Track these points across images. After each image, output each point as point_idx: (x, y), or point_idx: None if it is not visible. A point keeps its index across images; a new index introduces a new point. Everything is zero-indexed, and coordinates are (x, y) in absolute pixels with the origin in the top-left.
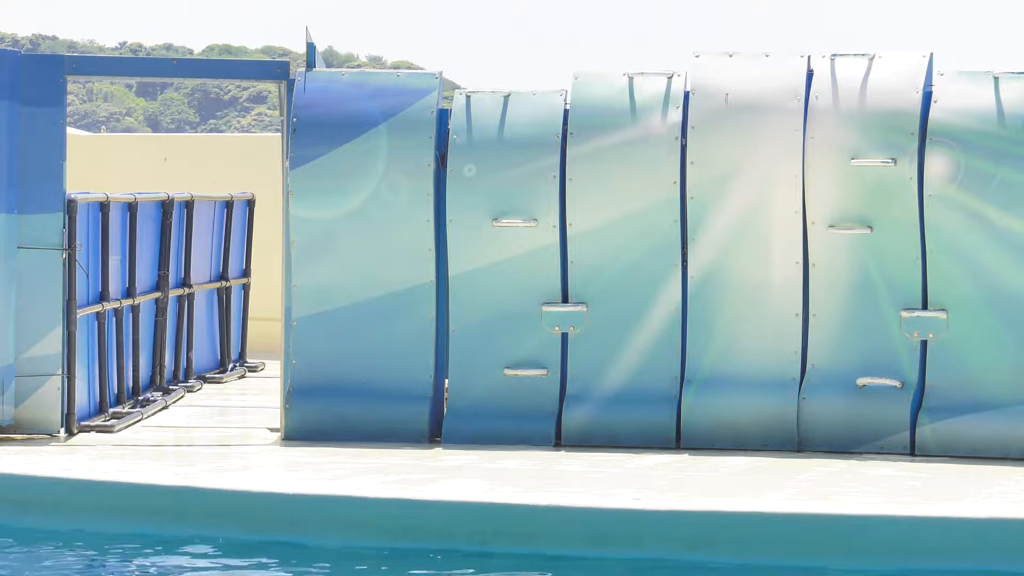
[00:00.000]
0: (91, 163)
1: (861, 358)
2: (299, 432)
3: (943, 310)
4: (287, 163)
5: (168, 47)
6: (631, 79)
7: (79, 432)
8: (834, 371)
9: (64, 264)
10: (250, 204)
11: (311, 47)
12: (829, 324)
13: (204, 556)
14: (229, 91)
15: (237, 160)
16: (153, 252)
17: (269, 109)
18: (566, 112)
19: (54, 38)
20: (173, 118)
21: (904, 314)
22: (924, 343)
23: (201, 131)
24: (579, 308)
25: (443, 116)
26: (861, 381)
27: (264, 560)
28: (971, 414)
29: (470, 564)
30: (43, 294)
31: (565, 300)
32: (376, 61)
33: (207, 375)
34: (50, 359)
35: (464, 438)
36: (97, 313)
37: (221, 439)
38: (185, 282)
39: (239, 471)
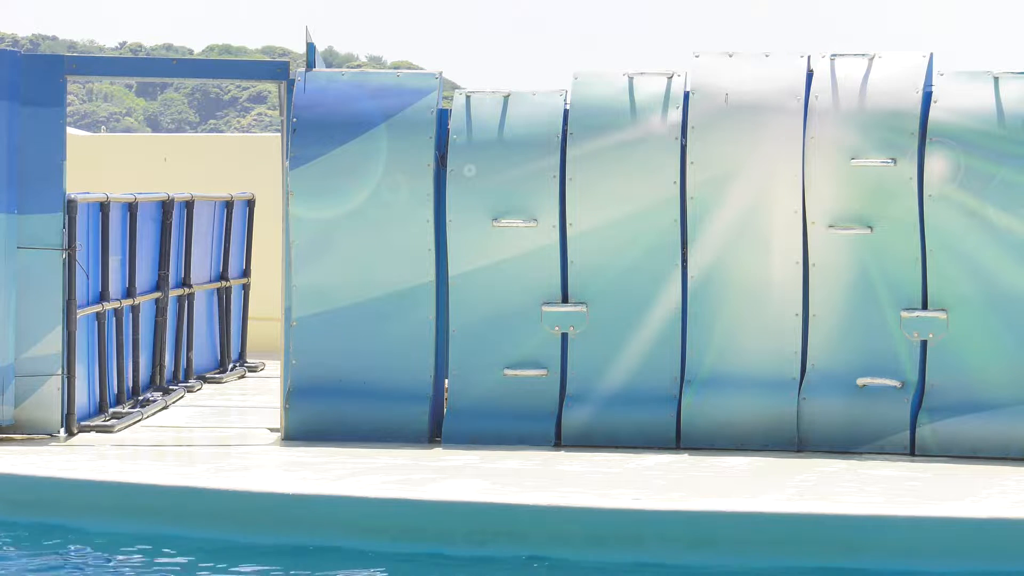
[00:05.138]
0: (91, 163)
1: (861, 358)
2: (299, 432)
3: (943, 310)
4: (287, 163)
5: (168, 47)
6: (631, 79)
7: (79, 432)
8: (834, 371)
9: (64, 264)
10: (250, 204)
11: (311, 47)
12: (829, 324)
13: (204, 556)
14: (229, 91)
15: (237, 160)
16: (153, 252)
17: (269, 109)
18: (566, 112)
19: (54, 38)
20: (173, 118)
21: (904, 314)
22: (924, 343)
23: (201, 131)
24: (579, 308)
25: (443, 116)
26: (861, 381)
27: (264, 560)
28: (971, 414)
29: (470, 564)
30: (43, 294)
31: (565, 300)
32: (376, 61)
33: (207, 375)
34: (50, 359)
35: (464, 438)
36: (97, 313)
37: (221, 439)
38: (185, 282)
39: (239, 471)
